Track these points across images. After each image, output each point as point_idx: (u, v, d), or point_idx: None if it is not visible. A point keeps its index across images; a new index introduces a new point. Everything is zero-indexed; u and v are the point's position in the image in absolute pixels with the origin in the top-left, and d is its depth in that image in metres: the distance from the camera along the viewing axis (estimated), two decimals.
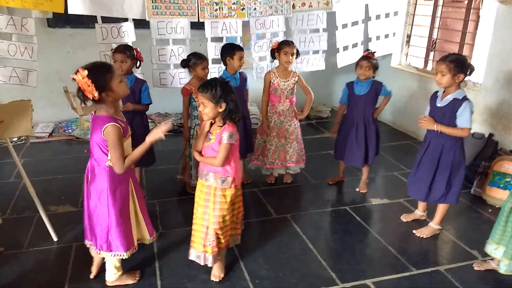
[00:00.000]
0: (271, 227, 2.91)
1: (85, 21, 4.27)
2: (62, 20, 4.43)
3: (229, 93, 2.09)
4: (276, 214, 3.09)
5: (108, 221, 2.08)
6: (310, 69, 4.44)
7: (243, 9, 4.06)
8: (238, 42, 4.07)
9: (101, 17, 3.69)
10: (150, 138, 2.05)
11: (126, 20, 3.73)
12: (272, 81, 3.37)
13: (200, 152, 2.23)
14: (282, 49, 3.26)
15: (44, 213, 2.64)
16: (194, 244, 2.31)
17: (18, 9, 3.59)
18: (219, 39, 4.06)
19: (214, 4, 3.96)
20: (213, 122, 2.18)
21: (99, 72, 1.87)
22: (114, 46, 3.74)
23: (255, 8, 4.09)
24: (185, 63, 3.16)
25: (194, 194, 3.23)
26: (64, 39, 4.56)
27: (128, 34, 3.79)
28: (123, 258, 2.17)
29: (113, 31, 3.75)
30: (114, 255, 2.15)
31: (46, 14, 4.33)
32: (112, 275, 2.27)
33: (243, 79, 3.46)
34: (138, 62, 3.11)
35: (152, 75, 3.93)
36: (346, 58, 4.45)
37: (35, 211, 2.76)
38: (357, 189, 3.48)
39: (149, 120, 4.86)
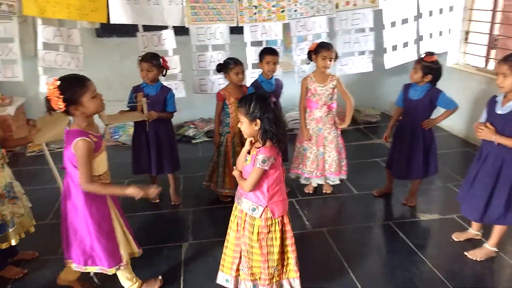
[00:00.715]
0: (304, 241, 2.74)
1: (130, 30, 4.36)
2: (109, 30, 4.57)
3: (265, 110, 1.88)
4: (311, 227, 2.91)
5: (89, 237, 2.02)
6: (355, 71, 4.19)
7: (283, 11, 3.92)
8: (278, 45, 3.94)
9: (143, 25, 3.75)
10: (129, 191, 1.96)
11: (166, 27, 3.76)
12: (308, 86, 3.20)
13: (241, 172, 2.06)
14: (320, 52, 3.08)
15: None
16: (223, 268, 2.17)
17: (65, 20, 3.73)
18: (259, 43, 3.96)
19: (253, 7, 3.87)
20: (253, 141, 2.00)
21: (70, 85, 1.86)
22: None
23: (296, 10, 3.93)
24: (219, 68, 3.10)
25: (225, 203, 3.21)
26: (111, 48, 4.71)
27: (169, 42, 3.81)
28: (109, 274, 2.11)
29: (153, 39, 3.80)
30: (101, 269, 2.09)
31: (94, 24, 4.49)
32: (128, 287, 2.23)
33: (279, 85, 3.36)
34: (165, 71, 3.09)
35: (193, 81, 3.92)
36: (395, 58, 4.15)
37: None
38: (404, 202, 3.20)
39: (192, 126, 4.92)
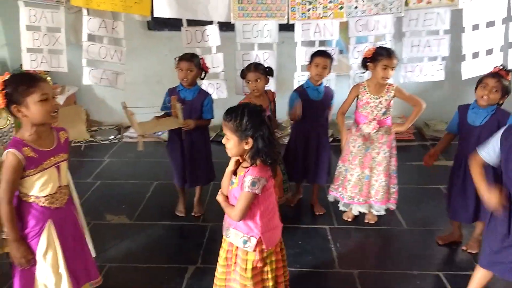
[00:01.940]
0: (327, 284, 2.32)
1: (181, 24, 4.21)
2: (160, 23, 4.44)
3: (259, 127, 1.60)
4: (339, 266, 2.47)
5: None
6: (423, 80, 3.60)
7: (341, 7, 3.45)
8: (333, 46, 3.52)
9: (187, 20, 3.53)
10: (12, 250, 1.72)
11: (211, 23, 3.50)
12: (360, 96, 2.75)
13: (227, 197, 1.77)
14: (380, 61, 2.61)
15: (85, 226, 2.52)
16: None
17: (115, 12, 3.62)
18: (311, 43, 3.55)
19: (307, 3, 3.45)
20: (240, 160, 1.71)
21: (16, 80, 1.65)
22: (198, 50, 3.59)
23: (356, 7, 3.43)
24: (242, 74, 2.80)
25: None
26: (162, 42, 4.58)
27: (213, 38, 3.55)
28: None
29: (197, 34, 3.56)
30: None
31: (145, 17, 4.39)
32: None
33: (329, 95, 2.95)
34: (204, 73, 2.83)
35: (236, 81, 3.62)
36: (476, 68, 3.46)
37: (92, 219, 2.73)
38: (464, 248, 2.61)
39: None
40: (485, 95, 2.31)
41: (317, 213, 3.02)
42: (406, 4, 3.37)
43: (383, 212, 2.85)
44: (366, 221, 2.92)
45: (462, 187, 2.46)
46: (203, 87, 3.59)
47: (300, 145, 2.96)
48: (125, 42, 3.59)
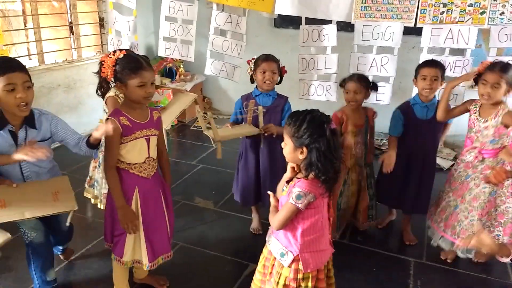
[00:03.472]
0: None
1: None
2: (286, 20, 4.48)
3: (317, 138, 1.47)
4: None
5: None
6: None
7: (483, 12, 2.95)
8: (467, 56, 3.04)
9: (308, 18, 3.48)
10: (120, 209, 1.89)
11: (330, 22, 3.38)
12: (470, 115, 2.31)
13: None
14: (484, 74, 2.18)
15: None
16: None
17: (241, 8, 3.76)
18: (441, 51, 3.12)
19: (441, 5, 3.04)
20: (296, 169, 1.62)
21: (126, 62, 1.83)
22: (313, 50, 3.52)
23: (503, 13, 2.90)
24: (342, 83, 2.59)
25: None
26: (286, 39, 4.60)
27: (329, 38, 3.42)
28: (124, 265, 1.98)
29: (313, 33, 3.48)
30: (116, 259, 1.99)
31: (272, 14, 4.47)
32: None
33: None
34: (280, 78, 2.67)
35: None
36: None
37: (182, 198, 2.94)
38: None
39: None
40: None
41: (407, 243, 2.66)
42: None
43: (470, 255, 2.35)
44: (442, 257, 2.47)
45: None
46: (312, 87, 3.52)
47: (400, 168, 2.56)
48: (247, 38, 3.72)
